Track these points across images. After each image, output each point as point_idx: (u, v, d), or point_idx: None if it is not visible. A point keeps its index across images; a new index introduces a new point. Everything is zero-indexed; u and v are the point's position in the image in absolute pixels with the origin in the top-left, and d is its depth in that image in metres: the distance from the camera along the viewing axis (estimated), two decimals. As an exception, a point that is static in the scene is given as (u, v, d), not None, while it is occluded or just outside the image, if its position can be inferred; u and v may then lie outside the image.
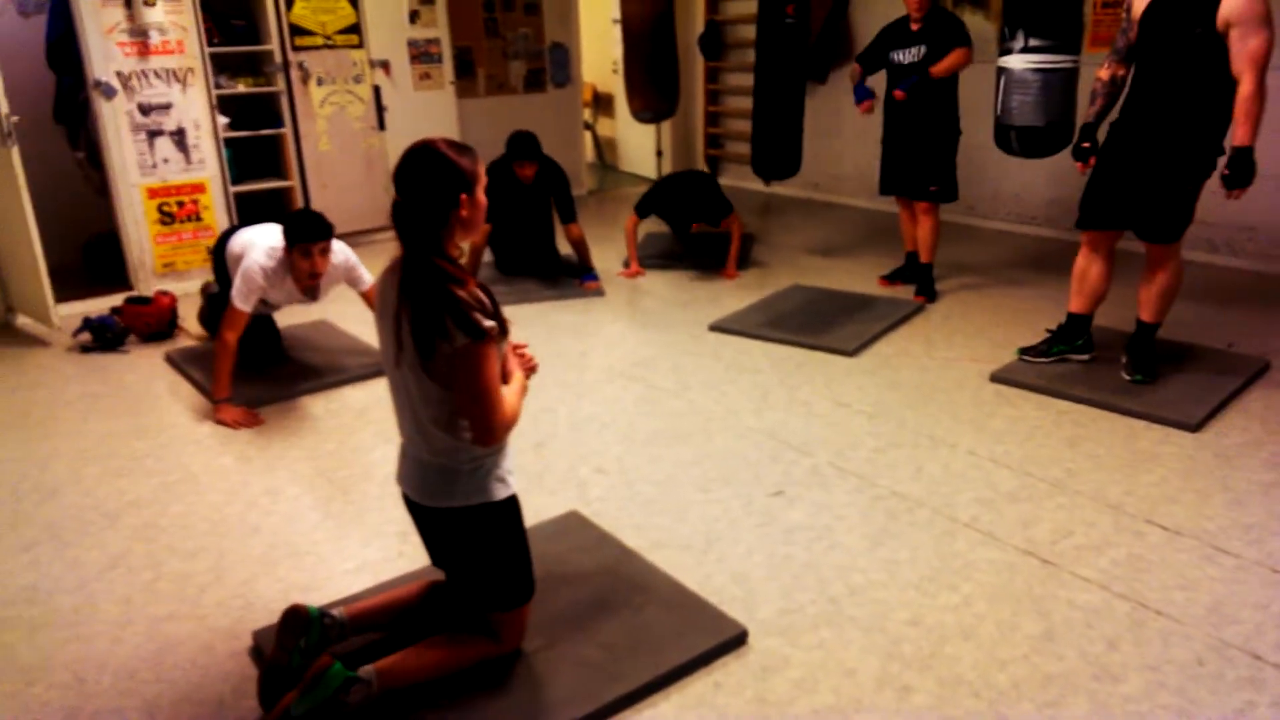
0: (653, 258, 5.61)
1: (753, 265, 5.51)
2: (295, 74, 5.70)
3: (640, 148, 8.59)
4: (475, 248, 4.92)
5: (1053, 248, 5.62)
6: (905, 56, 4.48)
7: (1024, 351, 3.83)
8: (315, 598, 2.40)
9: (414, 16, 6.14)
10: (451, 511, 1.96)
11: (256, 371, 3.89)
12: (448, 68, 6.34)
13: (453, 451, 1.92)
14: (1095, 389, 3.49)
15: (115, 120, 4.91)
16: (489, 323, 1.79)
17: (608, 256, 5.69)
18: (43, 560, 2.63)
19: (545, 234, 5.31)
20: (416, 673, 2.00)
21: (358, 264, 3.74)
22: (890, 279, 5.01)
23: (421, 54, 6.24)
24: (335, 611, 2.07)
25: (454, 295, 1.78)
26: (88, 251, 5.61)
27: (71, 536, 2.75)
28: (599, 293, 5.02)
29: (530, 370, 2.07)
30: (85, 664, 2.20)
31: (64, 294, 4.85)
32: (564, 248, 5.39)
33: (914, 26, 4.46)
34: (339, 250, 3.64)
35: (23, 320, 4.71)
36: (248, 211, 5.48)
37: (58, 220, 5.42)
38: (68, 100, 5.21)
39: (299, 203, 5.88)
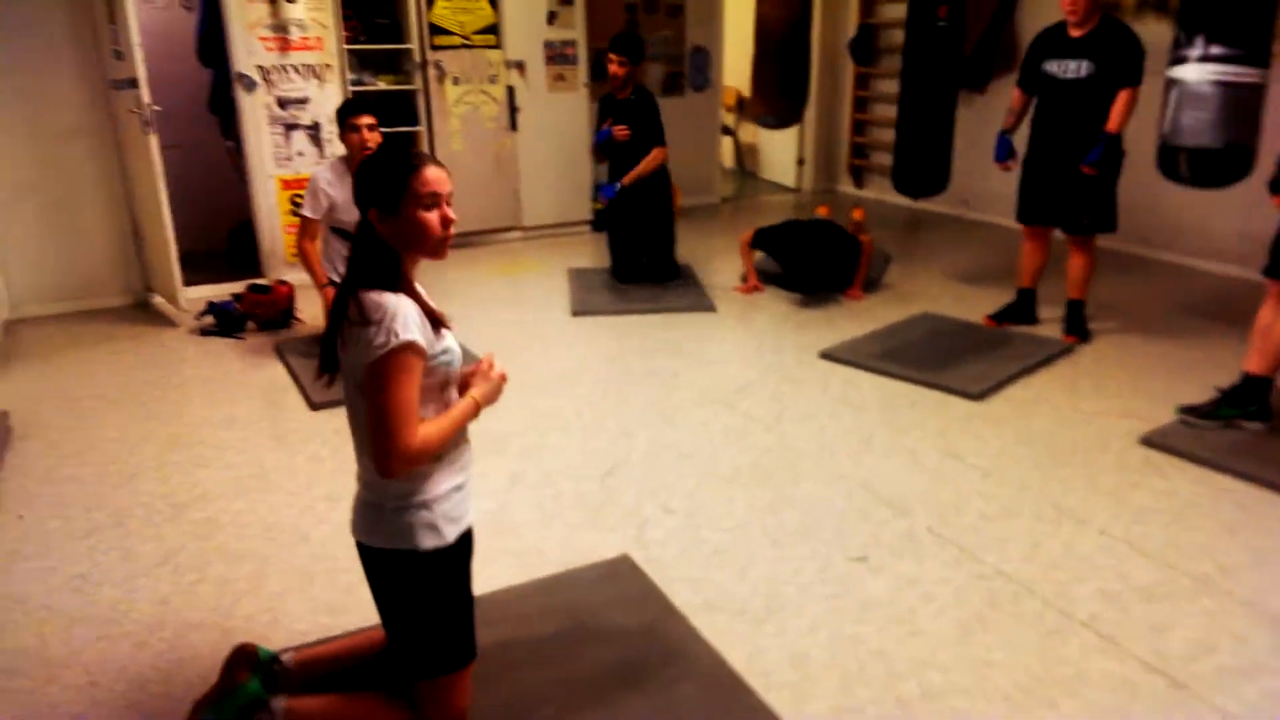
0: (775, 272, 5.28)
1: (882, 287, 5.10)
2: (432, 73, 5.74)
3: (782, 155, 8.24)
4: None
5: (1240, 290, 4.90)
6: (1064, 70, 3.92)
7: (1185, 411, 3.30)
8: (341, 621, 2.28)
9: (552, 17, 6.06)
10: (371, 551, 1.75)
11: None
12: (582, 70, 6.23)
13: (377, 485, 1.71)
14: (1267, 465, 2.93)
15: (255, 113, 5.06)
16: (402, 334, 1.57)
17: (725, 271, 5.42)
18: (100, 548, 2.64)
19: (660, 185, 5.04)
20: None
21: None
22: (997, 318, 4.44)
23: (557, 55, 6.16)
24: (285, 656, 1.93)
25: (364, 299, 1.60)
26: (232, 238, 5.84)
27: (135, 525, 2.76)
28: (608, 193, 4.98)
29: (496, 388, 1.81)
30: (105, 667, 2.15)
31: (202, 278, 5.06)
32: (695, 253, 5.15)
33: (1074, 33, 3.91)
34: None
35: (157, 300, 4.93)
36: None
37: (206, 207, 5.70)
38: (221, 92, 5.43)
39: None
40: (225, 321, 4.50)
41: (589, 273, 5.35)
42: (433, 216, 1.65)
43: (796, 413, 3.51)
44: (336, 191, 3.93)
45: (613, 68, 4.82)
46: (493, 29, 5.88)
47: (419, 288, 1.76)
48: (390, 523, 1.71)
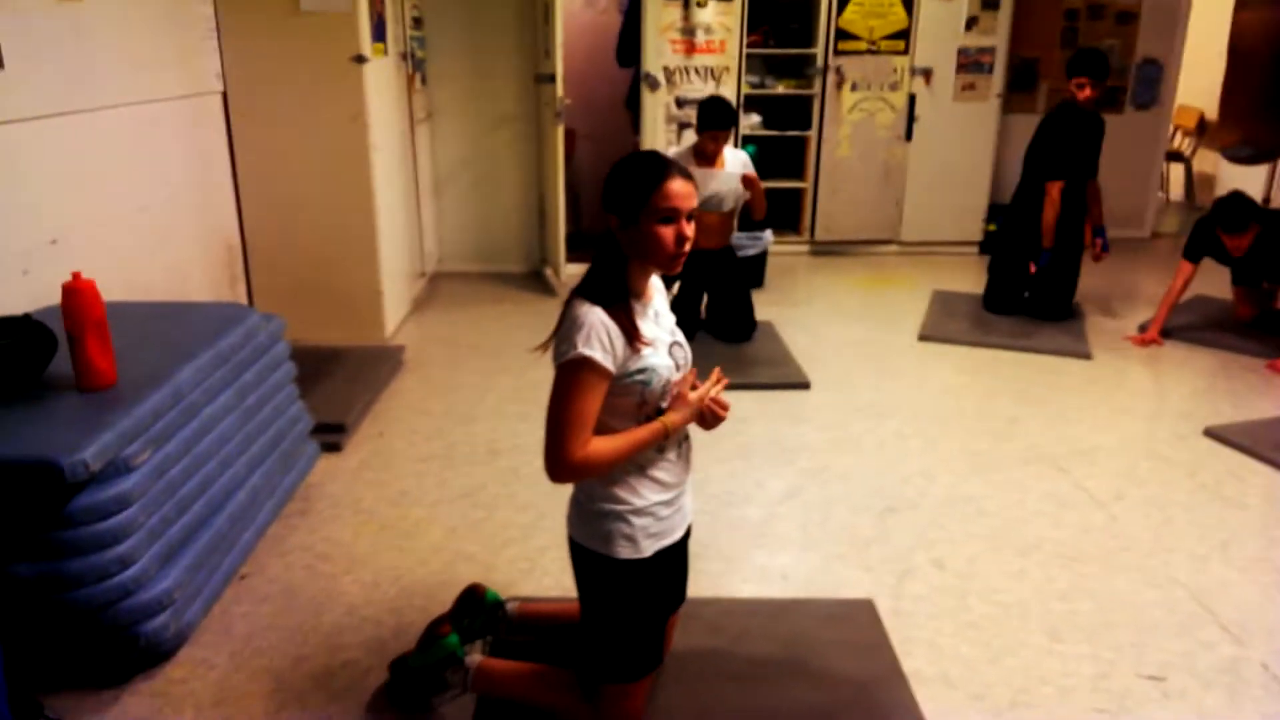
0: (1194, 328, 4.47)
1: (1330, 364, 4.08)
2: (831, 78, 5.71)
3: (1246, 190, 6.90)
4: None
5: None
6: None
7: None
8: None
9: (971, 23, 5.69)
10: (574, 543, 1.82)
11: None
12: (997, 79, 5.77)
13: (585, 482, 1.77)
14: None
15: (655, 110, 5.46)
16: (581, 348, 1.59)
17: (1125, 316, 4.72)
18: (426, 473, 3.06)
19: (1079, 207, 4.57)
20: (509, 690, 1.92)
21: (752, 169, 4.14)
22: None
23: (971, 63, 5.77)
24: (510, 605, 2.06)
25: (571, 306, 1.66)
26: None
27: (457, 459, 3.16)
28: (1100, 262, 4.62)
29: (714, 416, 1.75)
30: (389, 574, 2.50)
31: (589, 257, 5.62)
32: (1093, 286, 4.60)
33: None
34: (739, 153, 4.15)
35: (548, 272, 5.56)
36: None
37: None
38: (636, 90, 5.94)
39: (808, 205, 5.94)
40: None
41: (955, 297, 4.98)
42: (669, 231, 1.65)
43: (1144, 494, 2.96)
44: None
45: (1085, 93, 4.31)
46: (903, 34, 5.69)
47: (655, 296, 1.78)
48: (591, 523, 1.76)
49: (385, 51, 4.23)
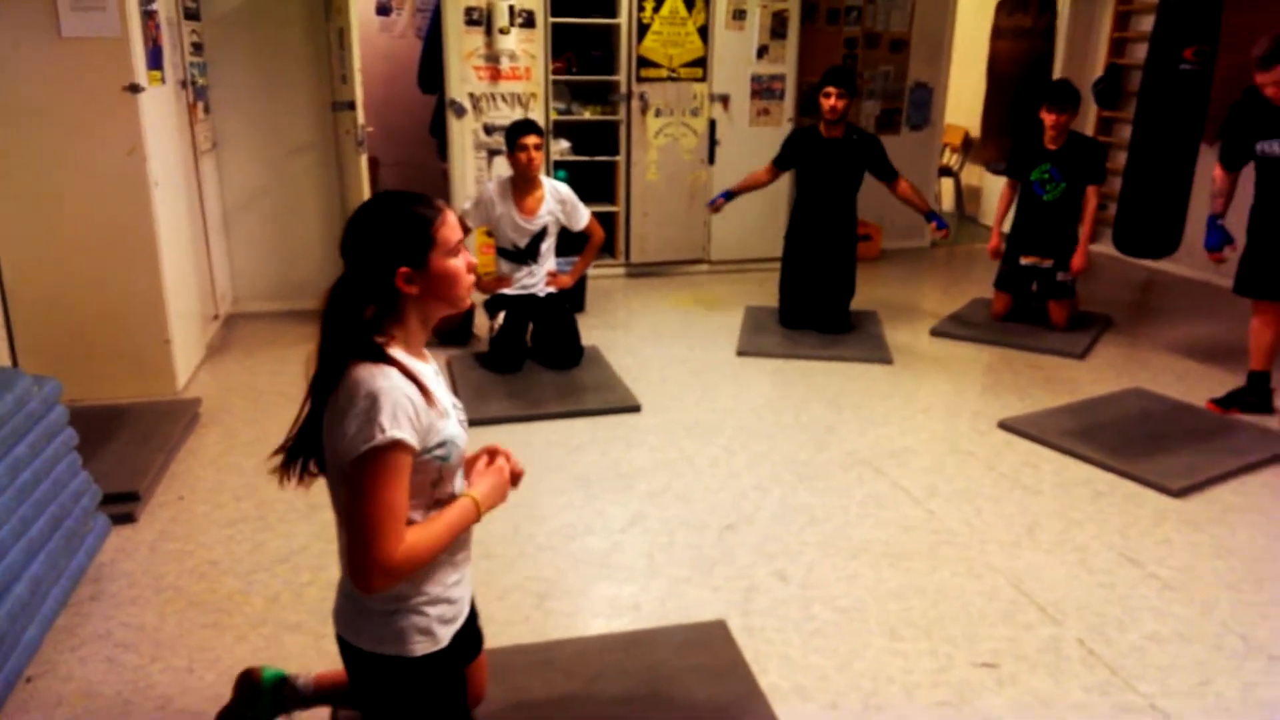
0: (974, 324, 4.88)
1: (1092, 354, 4.55)
2: (636, 104, 5.81)
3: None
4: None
5: None
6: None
7: None
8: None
9: (762, 51, 5.96)
10: (354, 650, 1.60)
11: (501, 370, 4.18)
12: (789, 104, 6.08)
13: None
14: None
15: (462, 137, 5.34)
16: (389, 430, 1.38)
17: (916, 321, 5.07)
18: (236, 538, 2.81)
19: (845, 231, 4.81)
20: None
21: (578, 202, 4.28)
22: (1223, 403, 3.80)
23: (764, 89, 6.05)
24: (300, 679, 1.90)
25: (353, 377, 1.41)
26: (438, 253, 6.21)
27: (273, 520, 2.92)
28: (947, 240, 5.03)
29: (511, 481, 1.63)
30: (204, 655, 2.26)
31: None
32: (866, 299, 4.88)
33: None
34: (560, 184, 4.27)
35: (358, 307, 5.30)
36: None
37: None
38: (440, 117, 5.79)
39: (621, 229, 6.00)
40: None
41: (766, 312, 5.17)
42: (461, 264, 1.52)
43: (954, 488, 3.17)
44: (500, 208, 4.16)
45: (831, 101, 4.55)
46: (700, 62, 5.88)
47: (425, 352, 1.60)
48: (379, 625, 1.56)
49: (163, 79, 3.89)
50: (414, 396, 1.45)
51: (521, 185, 4.21)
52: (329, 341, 1.47)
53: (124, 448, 3.21)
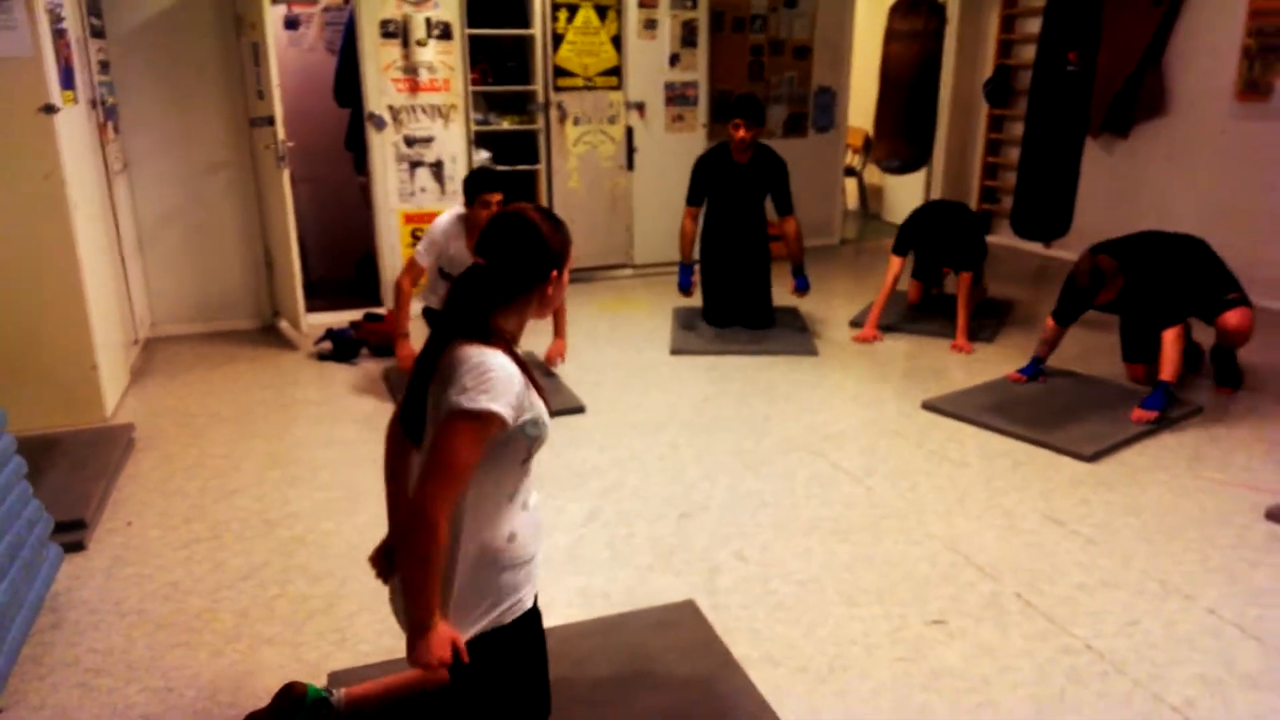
0: (892, 321, 5.13)
1: (1000, 337, 4.86)
2: (554, 114, 5.90)
3: (908, 198, 8.01)
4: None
5: None
6: None
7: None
8: (404, 645, 2.31)
9: (674, 60, 6.14)
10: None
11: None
12: (702, 110, 6.27)
13: (480, 549, 1.69)
14: None
15: (383, 150, 5.33)
16: (493, 404, 1.53)
17: (837, 313, 5.30)
18: (194, 559, 2.79)
19: (757, 240, 4.97)
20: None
21: None
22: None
23: (677, 96, 6.22)
24: (335, 695, 1.95)
25: (465, 352, 1.58)
26: (359, 267, 6.15)
27: (229, 539, 2.90)
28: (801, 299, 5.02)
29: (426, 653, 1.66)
30: (181, 673, 2.26)
31: (329, 304, 5.34)
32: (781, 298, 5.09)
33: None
34: None
35: (283, 325, 5.22)
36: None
37: (338, 237, 6.07)
38: (356, 131, 5.75)
39: (542, 235, 6.07)
40: (341, 347, 4.72)
41: (693, 312, 5.32)
42: (564, 281, 1.75)
43: (889, 466, 3.37)
44: (453, 246, 4.01)
45: (740, 133, 4.66)
46: (615, 71, 6.01)
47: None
48: (479, 596, 1.69)
49: (75, 99, 3.79)
50: (518, 379, 1.60)
51: (474, 228, 4.04)
52: (451, 321, 1.65)
53: (62, 476, 3.13)
